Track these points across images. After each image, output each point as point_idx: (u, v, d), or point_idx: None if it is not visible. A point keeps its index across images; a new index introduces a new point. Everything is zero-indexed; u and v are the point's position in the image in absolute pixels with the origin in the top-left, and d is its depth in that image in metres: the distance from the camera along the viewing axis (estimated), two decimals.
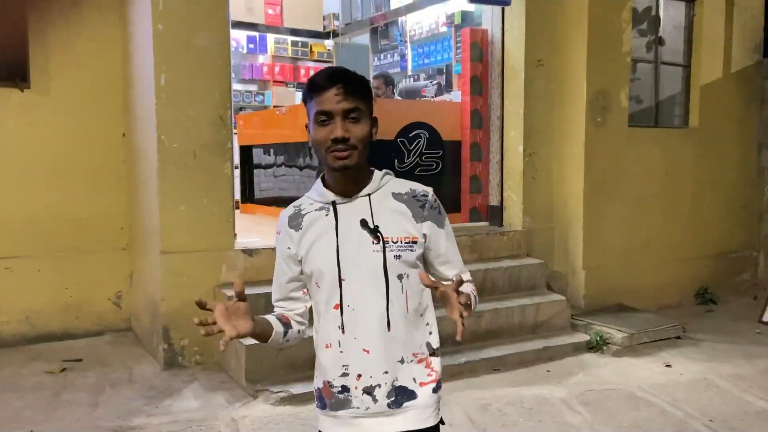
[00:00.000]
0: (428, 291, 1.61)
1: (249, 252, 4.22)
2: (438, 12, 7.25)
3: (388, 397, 1.57)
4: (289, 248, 1.64)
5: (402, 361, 1.58)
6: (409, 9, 7.49)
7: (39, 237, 4.67)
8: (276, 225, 1.69)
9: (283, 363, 3.78)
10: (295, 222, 1.63)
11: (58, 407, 3.55)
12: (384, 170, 1.66)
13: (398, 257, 1.56)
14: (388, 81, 6.64)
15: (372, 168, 1.65)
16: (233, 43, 8.78)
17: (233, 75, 8.78)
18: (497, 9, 5.26)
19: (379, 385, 1.57)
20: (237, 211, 6.88)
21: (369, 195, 1.60)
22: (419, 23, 7.61)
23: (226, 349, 4.00)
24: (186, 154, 4.08)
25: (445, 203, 1.77)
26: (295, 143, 6.09)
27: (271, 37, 9.16)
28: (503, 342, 4.47)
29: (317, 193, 1.63)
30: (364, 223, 1.56)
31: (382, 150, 5.02)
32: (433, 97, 6.67)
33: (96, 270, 4.81)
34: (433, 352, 1.65)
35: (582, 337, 4.68)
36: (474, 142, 5.43)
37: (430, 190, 1.67)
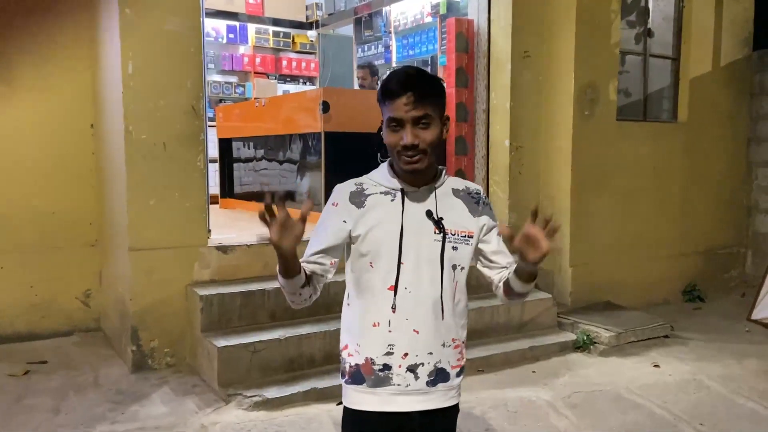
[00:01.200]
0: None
1: (223, 249, 4.03)
2: (423, 1, 7.09)
3: (429, 376, 1.70)
4: (344, 222, 1.69)
5: (443, 345, 1.71)
6: None
7: (2, 232, 4.44)
8: (332, 197, 1.74)
9: (258, 366, 3.62)
10: (357, 199, 1.70)
11: (19, 413, 3.36)
12: (441, 167, 1.77)
13: (455, 248, 1.70)
14: (373, 71, 6.59)
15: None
16: (212, 33, 8.57)
17: (213, 66, 8.66)
18: None
19: (423, 364, 1.68)
20: (215, 207, 6.69)
21: (435, 188, 1.72)
22: (404, 13, 7.44)
23: (198, 351, 3.84)
24: (156, 145, 3.88)
25: None
26: (276, 136, 5.91)
27: (252, 27, 8.96)
28: (488, 342, 4.33)
29: (383, 178, 1.72)
30: (429, 214, 1.69)
31: (365, 143, 4.85)
32: None
33: (63, 267, 4.59)
34: (463, 340, 1.78)
35: (568, 336, 4.56)
36: (459, 136, 5.27)
37: (480, 188, 1.83)
